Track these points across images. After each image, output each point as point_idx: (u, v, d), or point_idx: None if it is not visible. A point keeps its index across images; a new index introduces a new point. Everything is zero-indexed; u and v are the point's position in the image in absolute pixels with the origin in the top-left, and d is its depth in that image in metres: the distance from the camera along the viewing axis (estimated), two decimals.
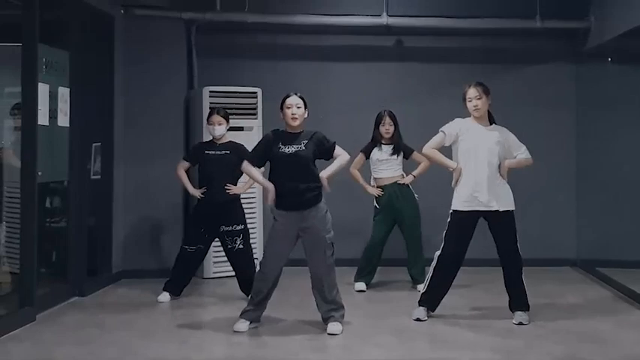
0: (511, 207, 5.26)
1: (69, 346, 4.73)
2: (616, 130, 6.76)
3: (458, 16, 7.40)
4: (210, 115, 6.00)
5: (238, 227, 5.87)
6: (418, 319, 5.30)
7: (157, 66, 7.02)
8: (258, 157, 5.07)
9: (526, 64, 7.70)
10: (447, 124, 5.37)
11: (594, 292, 6.46)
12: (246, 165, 5.06)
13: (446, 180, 5.47)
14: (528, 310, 5.29)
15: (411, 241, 6.43)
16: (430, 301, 5.38)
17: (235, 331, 5.01)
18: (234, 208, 5.93)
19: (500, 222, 5.24)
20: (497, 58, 7.66)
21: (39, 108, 5.43)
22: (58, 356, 4.56)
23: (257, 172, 5.08)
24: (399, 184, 6.37)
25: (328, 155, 5.08)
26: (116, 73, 6.80)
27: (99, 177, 6.61)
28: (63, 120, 5.98)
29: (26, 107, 5.31)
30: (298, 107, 5.01)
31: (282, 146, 4.94)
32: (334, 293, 5.07)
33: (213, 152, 5.91)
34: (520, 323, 5.20)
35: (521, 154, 5.35)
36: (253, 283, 5.15)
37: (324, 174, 4.96)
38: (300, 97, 5.06)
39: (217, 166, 5.86)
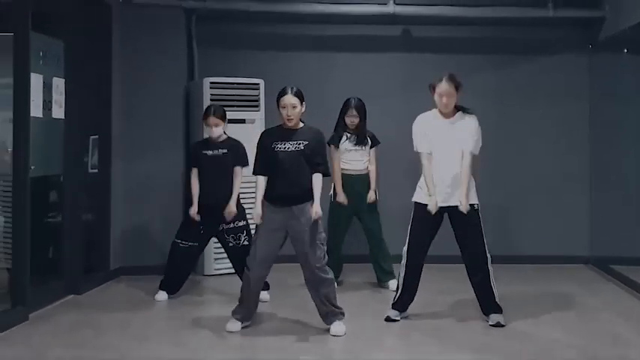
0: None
1: (61, 348, 4.56)
2: (631, 124, 6.60)
3: (467, 4, 7.22)
4: (206, 115, 5.70)
5: (241, 223, 5.69)
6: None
7: (156, 56, 6.83)
8: (264, 165, 4.80)
9: (538, 55, 7.51)
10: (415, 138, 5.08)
11: (610, 291, 6.29)
12: (257, 179, 4.81)
13: None
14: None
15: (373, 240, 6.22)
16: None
17: (228, 331, 4.86)
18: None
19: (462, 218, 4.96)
20: (507, 48, 7.51)
21: (32, 99, 5.26)
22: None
23: (261, 187, 4.78)
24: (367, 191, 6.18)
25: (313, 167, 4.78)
26: (114, 64, 6.62)
27: (96, 171, 6.45)
28: (58, 112, 5.82)
29: (18, 98, 5.13)
30: (294, 107, 4.74)
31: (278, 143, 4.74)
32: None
33: (211, 152, 5.68)
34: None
35: (466, 149, 4.95)
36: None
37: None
38: (296, 94, 4.77)
39: (215, 166, 5.66)
